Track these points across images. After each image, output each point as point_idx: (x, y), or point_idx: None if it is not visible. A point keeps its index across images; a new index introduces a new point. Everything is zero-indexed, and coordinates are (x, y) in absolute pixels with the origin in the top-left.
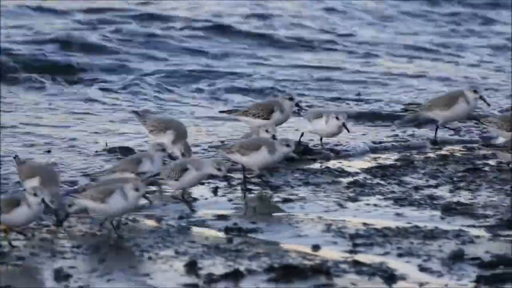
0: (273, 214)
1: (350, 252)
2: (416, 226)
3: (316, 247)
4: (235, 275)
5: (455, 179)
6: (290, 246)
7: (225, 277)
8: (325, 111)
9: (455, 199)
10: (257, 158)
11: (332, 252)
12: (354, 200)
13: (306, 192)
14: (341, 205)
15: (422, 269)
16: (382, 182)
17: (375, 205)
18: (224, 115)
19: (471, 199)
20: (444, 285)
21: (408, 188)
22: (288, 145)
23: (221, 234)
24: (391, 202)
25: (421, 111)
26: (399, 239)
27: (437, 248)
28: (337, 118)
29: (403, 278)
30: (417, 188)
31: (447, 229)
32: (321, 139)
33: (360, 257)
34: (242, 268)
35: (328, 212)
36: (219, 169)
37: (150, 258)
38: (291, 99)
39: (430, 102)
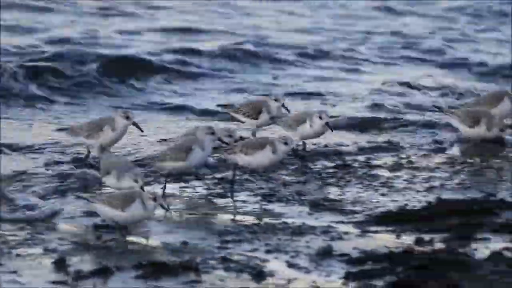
0: None
1: (219, 248)
2: (285, 222)
3: (185, 244)
4: (104, 272)
5: (323, 175)
6: (159, 243)
7: (94, 274)
8: (307, 113)
9: (323, 195)
10: (262, 158)
11: (201, 249)
12: (223, 196)
13: (175, 188)
14: (210, 201)
15: (290, 265)
16: (251, 178)
17: (244, 201)
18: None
19: (340, 195)
20: (312, 281)
21: (277, 184)
22: (286, 143)
23: (90, 231)
24: (259, 198)
25: None
26: (268, 235)
27: (305, 244)
28: (320, 117)
29: (271, 274)
30: (285, 184)
31: (315, 225)
32: (304, 144)
33: (228, 254)
34: (111, 265)
35: (197, 208)
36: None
37: (18, 255)
38: (276, 100)
39: None
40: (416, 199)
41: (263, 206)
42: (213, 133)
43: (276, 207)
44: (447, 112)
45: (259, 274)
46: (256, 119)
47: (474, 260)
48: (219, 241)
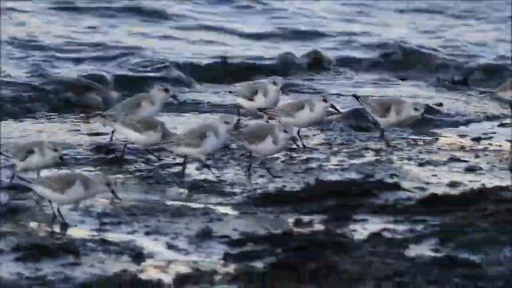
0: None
1: (98, 230)
2: (164, 204)
3: (64, 226)
4: None
5: None
6: (37, 225)
7: None
8: (305, 100)
9: (202, 177)
10: (264, 147)
11: (80, 231)
12: None
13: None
14: None
15: (169, 246)
16: (129, 159)
17: (122, 183)
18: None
19: (219, 176)
20: (192, 262)
21: (156, 166)
22: (285, 131)
23: None
24: (138, 180)
25: None
26: (147, 217)
27: (184, 226)
28: (324, 100)
29: (150, 256)
30: (164, 166)
31: (195, 207)
32: (298, 131)
33: (107, 236)
34: None
35: None
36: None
37: None
38: (274, 83)
39: None
40: (295, 181)
41: (142, 188)
42: (228, 122)
43: (155, 189)
44: (362, 102)
45: (138, 256)
46: (252, 100)
47: (353, 241)
48: (98, 224)
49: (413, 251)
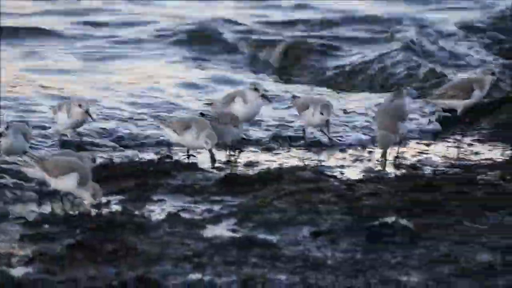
0: None
1: None
2: None
3: None
4: None
5: None
6: None
7: None
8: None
9: None
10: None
11: None
12: None
13: None
14: None
15: None
16: None
17: None
18: None
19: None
20: None
21: None
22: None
23: None
24: None
25: None
26: None
27: None
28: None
29: None
30: None
31: None
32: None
33: None
34: None
35: None
36: None
37: None
38: (256, 89)
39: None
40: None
41: None
42: (256, 89)
43: None
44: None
45: None
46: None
47: (151, 221)
48: None
49: (211, 231)
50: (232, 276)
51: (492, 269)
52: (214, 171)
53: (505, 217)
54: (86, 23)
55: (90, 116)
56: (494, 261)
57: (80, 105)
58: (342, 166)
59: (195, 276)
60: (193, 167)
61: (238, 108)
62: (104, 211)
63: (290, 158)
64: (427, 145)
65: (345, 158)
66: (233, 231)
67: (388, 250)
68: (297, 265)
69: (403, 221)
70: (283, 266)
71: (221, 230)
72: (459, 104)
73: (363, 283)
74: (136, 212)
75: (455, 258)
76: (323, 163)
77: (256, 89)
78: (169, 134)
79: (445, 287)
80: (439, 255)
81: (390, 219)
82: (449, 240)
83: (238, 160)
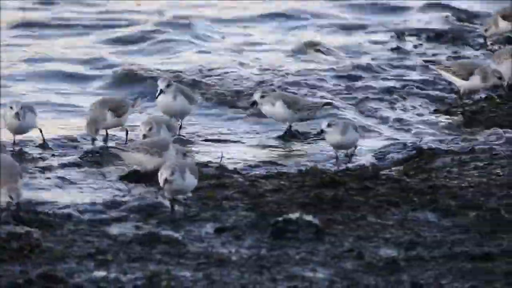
0: None
1: None
2: None
3: None
4: None
5: None
6: None
7: None
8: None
9: None
10: None
11: None
12: None
13: None
14: None
15: None
16: None
17: None
18: None
19: None
20: None
21: None
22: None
23: None
24: None
25: None
26: None
27: None
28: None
29: None
30: None
31: None
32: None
33: None
34: None
35: None
36: None
37: None
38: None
39: None
40: None
41: None
42: None
43: None
44: None
45: None
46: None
47: (55, 219)
48: None
49: (116, 228)
50: (137, 273)
51: (396, 264)
52: (118, 168)
53: (408, 213)
54: None
55: (18, 119)
56: (398, 257)
57: (11, 107)
58: (245, 162)
59: (100, 273)
60: (98, 163)
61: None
62: (9, 208)
63: (194, 154)
64: None
65: (248, 154)
66: (137, 228)
67: (293, 246)
68: (202, 261)
69: (308, 217)
70: (188, 263)
71: (126, 227)
72: (458, 83)
73: (268, 279)
74: (41, 210)
75: (360, 253)
76: (226, 160)
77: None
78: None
79: (350, 283)
80: (343, 251)
81: (295, 215)
82: (354, 236)
83: None
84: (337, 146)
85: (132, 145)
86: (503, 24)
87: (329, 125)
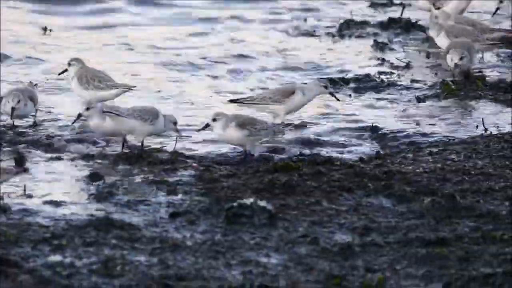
0: None
1: None
2: None
3: None
4: None
5: None
6: None
7: None
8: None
9: None
10: None
11: None
12: None
13: None
14: None
15: None
16: None
17: None
18: None
19: None
20: None
21: None
22: None
23: None
24: None
25: None
26: None
27: None
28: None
29: None
30: None
31: None
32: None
33: None
34: None
35: None
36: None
37: None
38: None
39: None
40: None
41: None
42: (326, 87)
43: None
44: None
45: None
46: None
47: (9, 202)
48: None
49: (70, 212)
50: (92, 258)
51: (351, 249)
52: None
53: (363, 198)
54: None
55: (11, 115)
56: (352, 242)
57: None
58: (200, 148)
59: (55, 257)
60: (51, 145)
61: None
62: None
63: (148, 139)
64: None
65: (202, 140)
66: (92, 212)
67: (247, 231)
68: (156, 246)
69: (262, 202)
70: (142, 247)
71: (80, 212)
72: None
73: (223, 264)
74: None
75: (314, 238)
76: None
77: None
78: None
79: (304, 268)
80: (297, 236)
81: (249, 200)
82: (308, 221)
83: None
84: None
85: (126, 112)
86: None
87: (214, 120)
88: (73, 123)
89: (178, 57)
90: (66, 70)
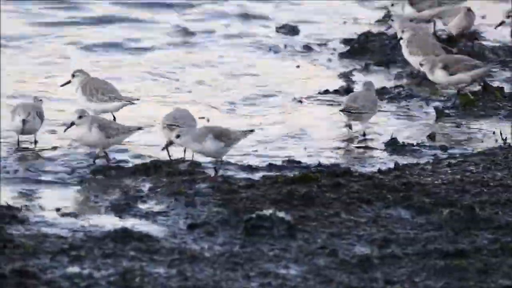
0: None
1: None
2: None
3: None
4: None
5: None
6: None
7: None
8: None
9: None
10: None
11: None
12: None
13: None
14: None
15: None
16: None
17: None
18: None
19: None
20: None
21: None
22: None
23: None
24: None
25: None
26: None
27: None
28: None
29: None
30: None
31: None
32: None
33: None
34: None
35: None
36: None
37: None
38: None
39: None
40: None
41: None
42: None
43: None
44: None
45: None
46: None
47: (28, 214)
48: None
49: (89, 224)
50: (110, 269)
51: (370, 261)
52: (91, 162)
53: (381, 210)
54: None
55: (23, 127)
56: (371, 254)
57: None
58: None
59: (73, 269)
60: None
61: None
62: None
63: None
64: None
65: None
66: (111, 223)
67: (266, 243)
68: (175, 257)
69: (281, 214)
70: (161, 259)
71: (99, 223)
72: None
73: (242, 276)
74: (13, 204)
75: (333, 250)
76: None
77: None
78: None
79: (323, 280)
80: (316, 248)
81: (268, 212)
82: (327, 233)
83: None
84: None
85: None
86: (408, 10)
87: (178, 136)
88: (65, 131)
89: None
90: (69, 82)
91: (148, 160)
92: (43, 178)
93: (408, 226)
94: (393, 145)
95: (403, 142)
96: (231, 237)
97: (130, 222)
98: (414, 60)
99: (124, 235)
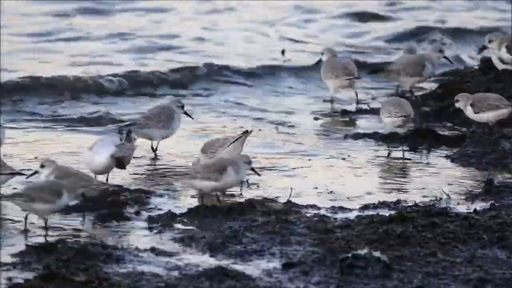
0: None
1: None
2: None
3: None
4: None
5: None
6: None
7: None
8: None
9: None
10: None
11: None
12: None
13: None
14: None
15: None
16: None
17: None
18: None
19: None
20: None
21: None
22: None
23: None
24: None
25: None
26: None
27: None
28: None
29: None
30: None
31: None
32: None
33: None
34: None
35: None
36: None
37: None
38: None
39: None
40: None
41: None
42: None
43: None
44: None
45: None
46: None
47: (123, 251)
48: None
49: (184, 262)
50: None
51: None
52: (186, 200)
53: (477, 250)
54: None
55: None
56: None
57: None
58: (313, 197)
59: None
60: (164, 195)
61: None
62: (77, 240)
63: (260, 190)
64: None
65: (316, 189)
66: (206, 262)
67: (361, 282)
68: None
69: (376, 253)
70: None
71: (194, 261)
72: None
73: None
74: (108, 242)
75: None
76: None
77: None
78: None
79: None
80: (412, 287)
81: (363, 251)
82: (422, 272)
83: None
84: None
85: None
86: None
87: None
88: (27, 177)
89: None
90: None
91: (243, 200)
92: (135, 216)
93: (504, 267)
94: (488, 185)
95: (498, 183)
96: (327, 277)
97: (225, 261)
98: None
99: (219, 273)
